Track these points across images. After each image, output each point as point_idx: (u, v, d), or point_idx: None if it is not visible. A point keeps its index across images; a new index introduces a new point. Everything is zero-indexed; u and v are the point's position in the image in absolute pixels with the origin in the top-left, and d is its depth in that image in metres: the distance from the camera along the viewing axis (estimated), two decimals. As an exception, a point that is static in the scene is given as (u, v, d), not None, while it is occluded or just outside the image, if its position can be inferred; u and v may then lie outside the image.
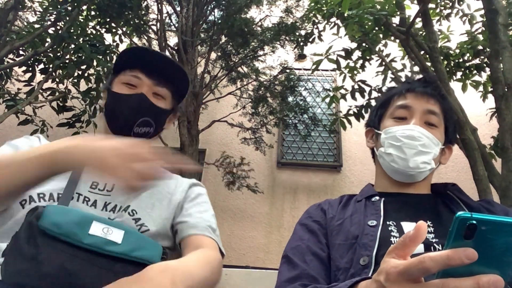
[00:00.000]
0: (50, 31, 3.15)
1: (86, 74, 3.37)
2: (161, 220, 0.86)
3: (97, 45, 3.15)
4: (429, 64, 2.57)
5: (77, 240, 0.65)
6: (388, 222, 0.79)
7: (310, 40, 3.53)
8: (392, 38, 2.78)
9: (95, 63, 3.17)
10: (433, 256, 0.39)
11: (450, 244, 0.39)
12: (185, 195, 0.94)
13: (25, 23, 4.03)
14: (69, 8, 2.99)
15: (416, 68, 2.89)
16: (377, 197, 0.88)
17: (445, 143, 0.92)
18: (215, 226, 0.91)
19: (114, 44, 3.64)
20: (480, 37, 2.96)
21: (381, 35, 2.74)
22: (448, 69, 3.11)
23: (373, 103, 2.91)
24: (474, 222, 0.37)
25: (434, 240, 0.74)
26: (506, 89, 2.03)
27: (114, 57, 3.32)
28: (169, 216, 0.89)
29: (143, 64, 0.94)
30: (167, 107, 0.98)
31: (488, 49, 2.74)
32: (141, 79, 0.93)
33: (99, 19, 3.47)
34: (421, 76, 0.99)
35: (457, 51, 3.08)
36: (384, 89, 2.89)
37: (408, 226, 0.77)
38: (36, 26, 3.21)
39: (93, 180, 0.85)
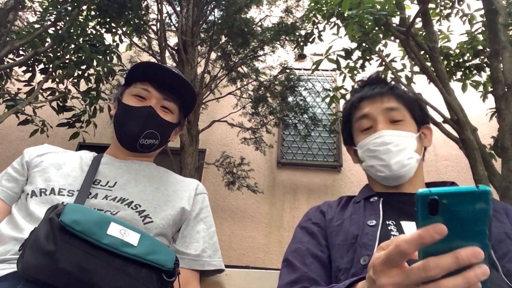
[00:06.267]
0: (50, 31, 3.15)
1: (86, 74, 3.36)
2: (165, 217, 0.88)
3: (97, 45, 3.14)
4: (429, 64, 2.57)
5: (95, 239, 0.65)
6: (387, 222, 0.79)
7: (310, 40, 3.53)
8: (392, 38, 2.78)
9: (95, 63, 3.17)
10: (406, 238, 0.40)
11: (419, 223, 0.40)
12: (192, 205, 0.96)
13: (25, 23, 4.03)
14: (69, 8, 2.99)
15: (416, 68, 2.88)
16: (376, 197, 0.88)
17: (419, 127, 0.91)
18: (212, 242, 0.94)
19: (114, 44, 3.63)
20: (480, 37, 2.96)
21: (381, 35, 2.74)
22: (448, 69, 3.11)
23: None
24: (435, 197, 0.39)
25: None
26: (506, 89, 2.04)
27: (114, 57, 3.31)
28: (175, 217, 0.90)
29: (153, 78, 0.98)
30: (174, 121, 1.02)
31: (488, 49, 2.74)
32: (150, 92, 0.97)
33: (99, 19, 3.46)
34: (364, 79, 0.99)
35: (457, 51, 3.09)
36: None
37: (407, 225, 0.77)
38: (36, 26, 3.20)
39: (96, 178, 0.89)
